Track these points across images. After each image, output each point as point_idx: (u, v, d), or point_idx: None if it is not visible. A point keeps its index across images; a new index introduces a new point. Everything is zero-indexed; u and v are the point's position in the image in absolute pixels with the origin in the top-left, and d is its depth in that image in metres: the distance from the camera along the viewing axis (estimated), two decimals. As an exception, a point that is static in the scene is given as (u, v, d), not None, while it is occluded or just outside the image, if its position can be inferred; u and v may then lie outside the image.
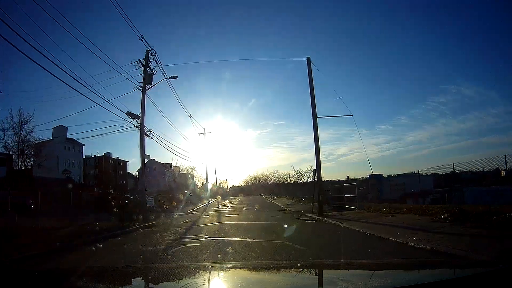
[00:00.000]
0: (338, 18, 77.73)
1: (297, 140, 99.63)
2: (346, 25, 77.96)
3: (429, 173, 22.93)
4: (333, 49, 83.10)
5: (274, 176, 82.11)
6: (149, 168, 54.20)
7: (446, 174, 19.05)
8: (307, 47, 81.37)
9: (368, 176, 29.49)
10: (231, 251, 7.19)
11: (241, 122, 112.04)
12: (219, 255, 6.99)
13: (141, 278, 2.49)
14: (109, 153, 73.57)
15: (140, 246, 8.45)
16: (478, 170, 17.03)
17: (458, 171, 17.83)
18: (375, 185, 26.48)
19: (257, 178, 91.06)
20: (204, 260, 6.48)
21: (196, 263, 5.96)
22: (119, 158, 68.71)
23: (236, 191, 79.30)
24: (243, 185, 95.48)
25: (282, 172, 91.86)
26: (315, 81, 17.97)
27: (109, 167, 66.51)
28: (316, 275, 2.49)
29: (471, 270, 2.36)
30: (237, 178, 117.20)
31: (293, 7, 74.79)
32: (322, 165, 23.60)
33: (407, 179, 24.14)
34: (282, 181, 71.58)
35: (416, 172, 21.73)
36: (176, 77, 21.68)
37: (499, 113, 64.68)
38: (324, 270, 2.62)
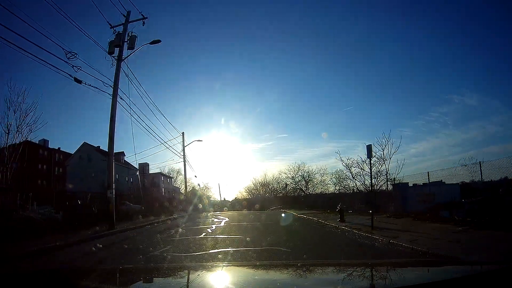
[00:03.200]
0: (338, 27, 78.72)
1: (300, 153, 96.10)
2: (347, 35, 77.39)
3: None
4: (332, 60, 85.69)
5: (300, 173, 55.52)
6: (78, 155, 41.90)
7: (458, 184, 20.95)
8: (307, 59, 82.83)
9: (391, 185, 26.21)
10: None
11: (242, 136, 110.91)
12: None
13: (141, 278, 2.59)
14: (45, 141, 46.03)
15: None
16: (486, 180, 18.15)
17: (468, 181, 20.57)
18: (397, 195, 24.18)
19: (265, 184, 71.85)
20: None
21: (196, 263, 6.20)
22: (61, 149, 42.08)
23: (235, 205, 62.93)
24: (245, 195, 75.05)
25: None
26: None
27: (36, 161, 49.11)
28: (316, 275, 2.59)
29: (471, 270, 2.51)
30: (238, 189, 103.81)
31: (286, 26, 76.80)
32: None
33: (435, 188, 21.70)
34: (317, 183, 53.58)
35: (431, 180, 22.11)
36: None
37: (502, 122, 63.65)
38: (324, 270, 2.74)
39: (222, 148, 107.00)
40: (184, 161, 33.05)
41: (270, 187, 66.70)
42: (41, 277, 2.41)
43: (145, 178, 53.53)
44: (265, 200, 59.53)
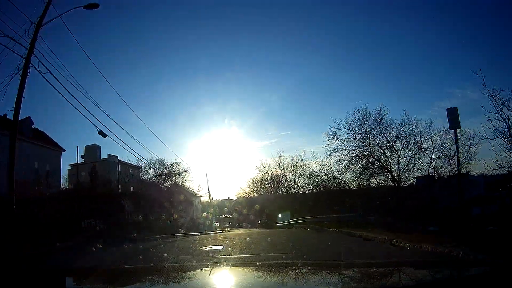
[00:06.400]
0: (340, 23, 77.10)
1: (298, 154, 79.89)
2: (347, 28, 77.60)
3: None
4: (335, 56, 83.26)
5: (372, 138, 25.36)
6: None
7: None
8: (308, 58, 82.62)
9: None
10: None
11: (245, 134, 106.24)
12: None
13: (141, 278, 2.72)
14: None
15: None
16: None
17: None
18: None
19: (275, 177, 48.65)
20: None
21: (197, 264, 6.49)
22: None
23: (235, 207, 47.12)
24: (249, 193, 53.77)
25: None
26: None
27: None
28: (316, 275, 2.66)
29: (471, 270, 2.64)
30: (240, 185, 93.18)
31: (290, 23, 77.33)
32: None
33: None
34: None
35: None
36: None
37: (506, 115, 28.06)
38: (324, 271, 2.82)
39: (225, 147, 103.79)
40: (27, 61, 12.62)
41: (288, 177, 46.54)
42: (40, 277, 2.58)
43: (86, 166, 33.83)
44: (282, 201, 39.15)
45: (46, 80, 15.09)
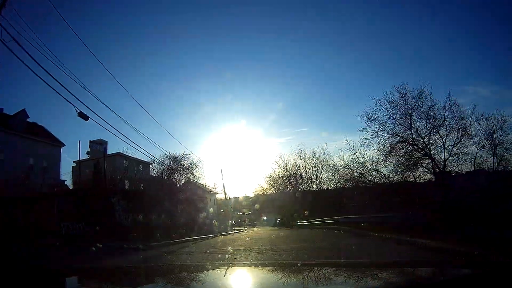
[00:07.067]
0: (347, 16, 73.14)
1: (319, 147, 75.06)
2: (356, 24, 73.65)
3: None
4: (347, 50, 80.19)
5: None
6: None
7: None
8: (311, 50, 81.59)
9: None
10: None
11: (264, 131, 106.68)
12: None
13: (141, 278, 2.73)
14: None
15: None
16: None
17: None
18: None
19: (294, 174, 45.58)
20: None
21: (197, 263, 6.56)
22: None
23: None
24: (267, 189, 49.82)
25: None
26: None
27: None
28: (316, 275, 2.61)
29: (471, 270, 2.59)
30: (258, 182, 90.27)
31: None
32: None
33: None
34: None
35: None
36: None
37: (520, 111, 62.22)
38: (324, 270, 2.78)
39: (240, 143, 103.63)
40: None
41: (309, 172, 43.53)
42: (42, 277, 2.57)
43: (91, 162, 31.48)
44: (302, 198, 36.08)
45: (9, 49, 12.48)
